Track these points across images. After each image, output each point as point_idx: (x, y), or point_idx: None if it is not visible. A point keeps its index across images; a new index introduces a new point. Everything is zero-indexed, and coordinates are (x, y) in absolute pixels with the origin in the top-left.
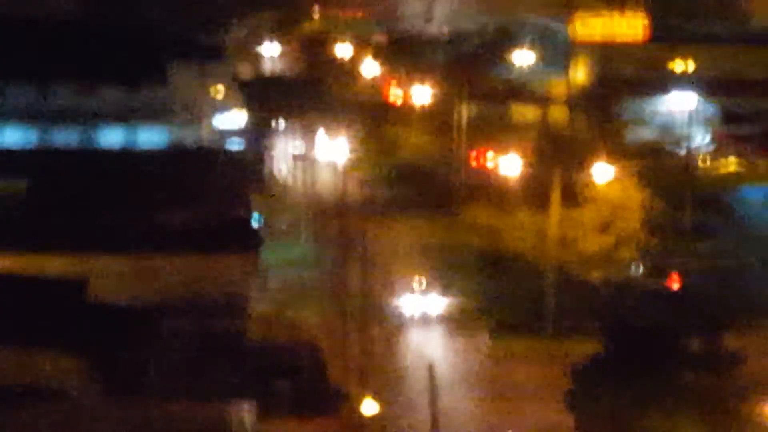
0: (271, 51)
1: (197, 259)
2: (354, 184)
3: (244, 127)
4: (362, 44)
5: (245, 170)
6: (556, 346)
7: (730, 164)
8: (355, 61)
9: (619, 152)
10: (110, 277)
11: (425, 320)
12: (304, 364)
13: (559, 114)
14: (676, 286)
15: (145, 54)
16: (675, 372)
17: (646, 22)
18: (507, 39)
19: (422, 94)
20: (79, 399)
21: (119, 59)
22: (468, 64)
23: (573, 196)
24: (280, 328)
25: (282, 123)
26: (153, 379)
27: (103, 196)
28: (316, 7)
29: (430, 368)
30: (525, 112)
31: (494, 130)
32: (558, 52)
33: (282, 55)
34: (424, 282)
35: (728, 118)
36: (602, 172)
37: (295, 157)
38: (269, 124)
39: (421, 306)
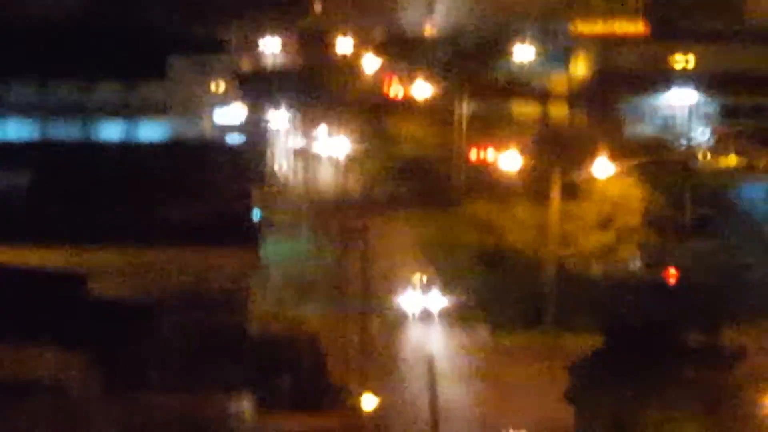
0: (271, 46)
1: (197, 254)
2: (354, 179)
3: (243, 122)
4: (363, 40)
5: (245, 165)
6: (556, 340)
7: (730, 160)
8: (355, 56)
9: (618, 148)
10: (110, 271)
11: (425, 315)
12: (303, 359)
13: (559, 110)
14: (675, 282)
15: (145, 49)
16: (674, 366)
17: (646, 18)
18: (507, 35)
19: (422, 90)
20: (79, 393)
21: (120, 54)
22: (468, 59)
23: (573, 192)
24: (279, 323)
25: (282, 118)
26: (152, 374)
27: (104, 191)
28: (317, 3)
29: (430, 363)
30: (525, 108)
31: (494, 126)
32: (558, 48)
33: (282, 50)
34: (424, 277)
35: (728, 114)
36: (602, 168)
37: (295, 152)
38: (269, 120)
39: (421, 301)
